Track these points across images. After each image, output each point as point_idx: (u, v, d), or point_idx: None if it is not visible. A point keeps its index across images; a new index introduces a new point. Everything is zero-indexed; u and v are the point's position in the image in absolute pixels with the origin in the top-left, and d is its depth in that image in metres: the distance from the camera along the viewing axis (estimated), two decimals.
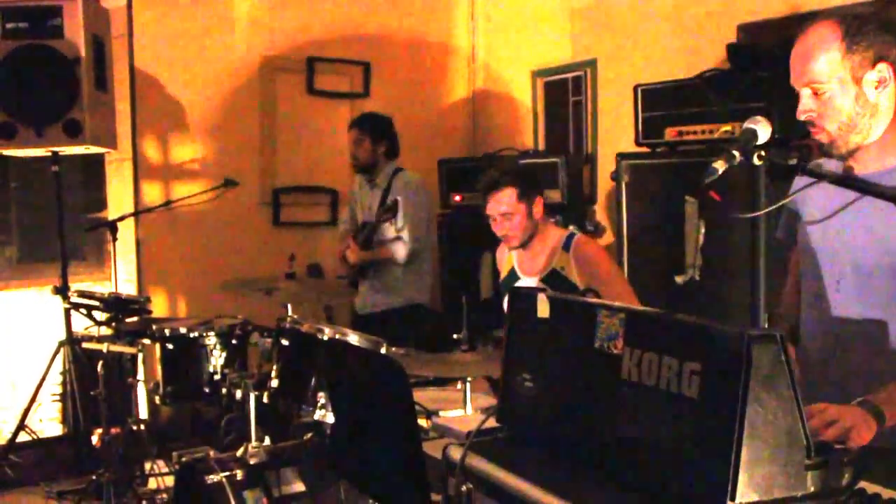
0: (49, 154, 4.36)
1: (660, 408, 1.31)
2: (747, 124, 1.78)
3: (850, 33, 1.82)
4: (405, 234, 4.40)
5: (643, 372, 1.35)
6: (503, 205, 3.13)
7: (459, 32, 6.31)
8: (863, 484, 1.48)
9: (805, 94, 1.88)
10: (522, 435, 1.61)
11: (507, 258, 3.36)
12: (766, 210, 2.08)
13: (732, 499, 1.21)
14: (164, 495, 3.87)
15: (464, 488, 1.47)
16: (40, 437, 4.64)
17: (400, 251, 4.41)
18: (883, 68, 1.84)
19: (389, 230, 4.44)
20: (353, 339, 2.78)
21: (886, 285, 1.85)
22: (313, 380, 2.86)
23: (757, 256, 3.53)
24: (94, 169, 5.27)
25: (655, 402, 1.32)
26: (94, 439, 4.08)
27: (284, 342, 2.99)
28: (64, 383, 4.66)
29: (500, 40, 6.16)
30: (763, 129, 1.76)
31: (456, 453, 1.50)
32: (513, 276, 3.29)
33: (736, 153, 1.70)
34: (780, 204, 1.94)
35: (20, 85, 4.19)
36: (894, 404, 1.71)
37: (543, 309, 1.57)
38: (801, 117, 1.89)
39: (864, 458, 1.38)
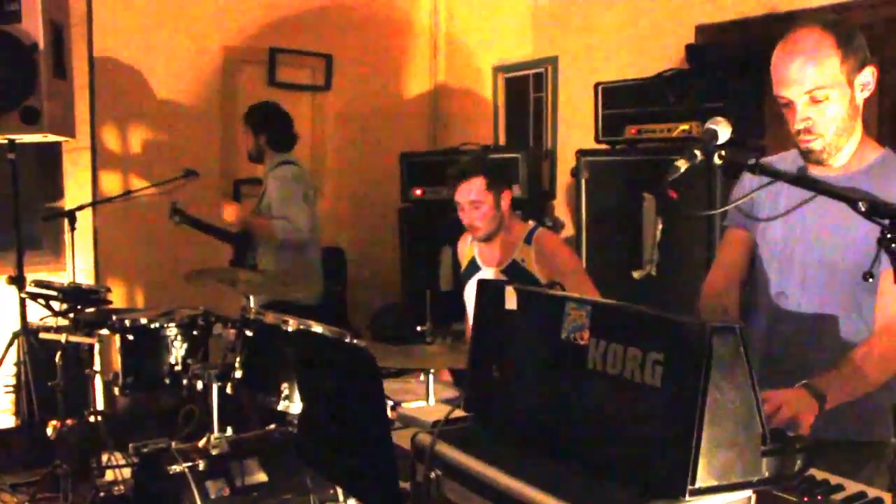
0: (5, 142, 4.28)
1: (624, 396, 1.36)
2: (708, 125, 1.82)
3: (843, 39, 1.86)
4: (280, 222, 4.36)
5: (608, 362, 1.39)
6: (471, 193, 3.17)
7: (422, 27, 6.33)
8: (813, 471, 1.56)
9: (802, 102, 1.90)
10: (490, 424, 1.64)
11: (469, 249, 3.40)
12: (724, 209, 2.14)
13: (692, 483, 1.26)
14: (122, 487, 3.84)
15: (433, 475, 1.51)
16: None
17: (277, 228, 4.33)
18: (869, 72, 1.91)
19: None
20: (318, 329, 2.80)
21: (851, 284, 1.90)
22: (278, 370, 2.89)
23: (712, 253, 3.61)
24: (50, 157, 5.19)
25: (620, 391, 1.37)
26: (49, 431, 4.04)
27: (248, 333, 3.00)
28: (18, 374, 4.59)
29: (462, 36, 6.20)
30: (723, 130, 1.81)
31: (425, 440, 1.53)
32: (474, 266, 3.34)
33: (697, 152, 1.75)
34: (738, 202, 2.01)
35: None
36: (834, 388, 1.78)
37: (511, 301, 1.61)
38: (800, 126, 1.92)
39: (814, 447, 1.44)
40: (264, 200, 4.52)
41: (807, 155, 1.97)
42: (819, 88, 1.87)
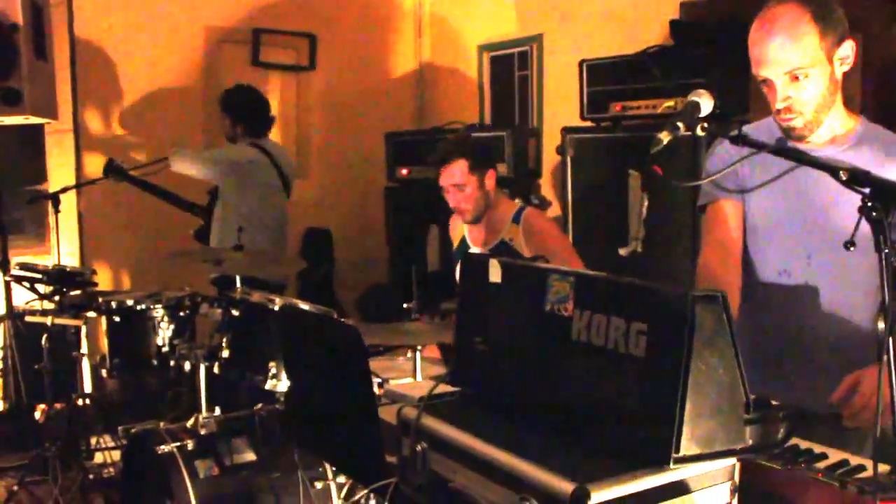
0: None
1: (608, 366, 1.37)
2: (691, 97, 1.81)
3: (820, 13, 1.82)
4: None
5: (592, 333, 1.40)
6: (455, 177, 3.16)
7: (406, 5, 6.29)
8: (796, 440, 1.58)
9: (781, 82, 1.87)
10: (476, 396, 1.65)
11: (459, 228, 3.40)
12: (708, 179, 2.12)
13: (676, 452, 1.27)
14: (111, 469, 3.85)
15: (419, 448, 1.51)
16: None
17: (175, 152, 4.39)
18: (848, 45, 1.88)
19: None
20: (305, 307, 2.80)
21: (858, 260, 1.83)
22: (265, 349, 2.89)
23: (698, 228, 3.62)
24: (32, 140, 5.15)
25: (604, 361, 1.37)
26: (38, 414, 4.04)
27: (235, 312, 3.00)
28: (4, 358, 4.58)
29: (446, 14, 6.17)
30: (706, 102, 1.81)
31: (411, 414, 1.53)
32: (464, 245, 3.34)
33: (680, 125, 1.74)
34: (723, 172, 1.98)
35: None
36: None
37: (495, 274, 1.61)
38: (781, 105, 1.88)
39: (797, 416, 1.46)
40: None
41: (788, 132, 1.94)
42: (799, 68, 1.84)
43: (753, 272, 2.11)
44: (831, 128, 1.97)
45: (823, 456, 1.56)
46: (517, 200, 3.57)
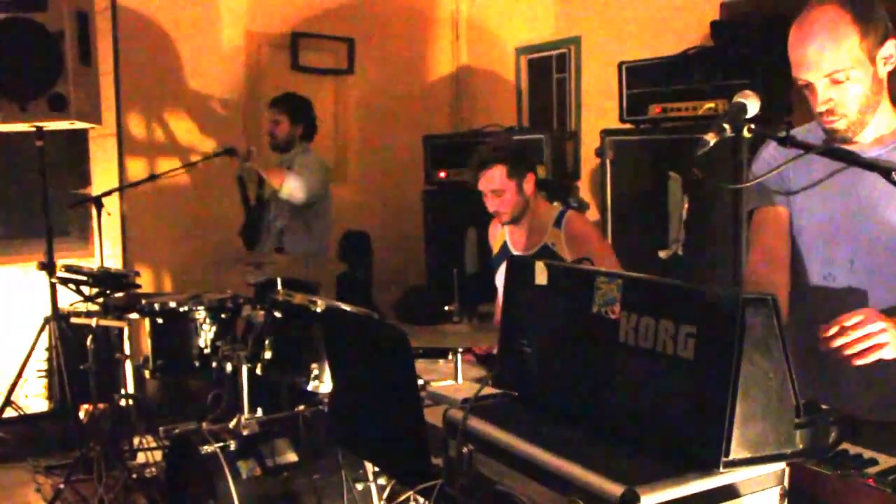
0: (33, 129, 4.33)
1: (657, 369, 1.36)
2: (737, 98, 1.80)
3: (860, 14, 1.80)
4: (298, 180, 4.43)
5: (640, 335, 1.39)
6: (493, 182, 3.17)
7: (444, 9, 6.31)
8: (846, 445, 1.56)
9: (822, 85, 1.84)
10: (521, 399, 1.65)
11: (500, 233, 3.41)
12: (752, 181, 2.10)
13: (726, 455, 1.25)
14: (154, 469, 3.90)
15: (465, 450, 1.51)
16: (26, 412, 4.65)
17: (290, 182, 4.37)
18: (892, 44, 1.85)
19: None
20: (347, 309, 2.82)
21: None
22: (306, 351, 2.92)
23: (739, 231, 3.60)
24: (76, 144, 5.24)
25: (652, 364, 1.36)
26: (82, 415, 4.10)
27: (277, 314, 3.03)
28: (49, 359, 4.67)
29: (484, 17, 6.18)
30: (752, 104, 1.79)
31: (457, 415, 1.54)
32: (505, 250, 3.34)
33: (727, 126, 1.73)
34: (768, 174, 1.96)
35: (2, 59, 4.16)
36: None
37: (541, 276, 1.61)
38: (822, 108, 1.86)
39: (847, 420, 1.44)
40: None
41: (832, 135, 1.92)
42: (839, 70, 1.81)
43: (801, 276, 2.09)
44: (877, 128, 1.94)
45: (874, 462, 1.54)
46: (556, 203, 3.56)
